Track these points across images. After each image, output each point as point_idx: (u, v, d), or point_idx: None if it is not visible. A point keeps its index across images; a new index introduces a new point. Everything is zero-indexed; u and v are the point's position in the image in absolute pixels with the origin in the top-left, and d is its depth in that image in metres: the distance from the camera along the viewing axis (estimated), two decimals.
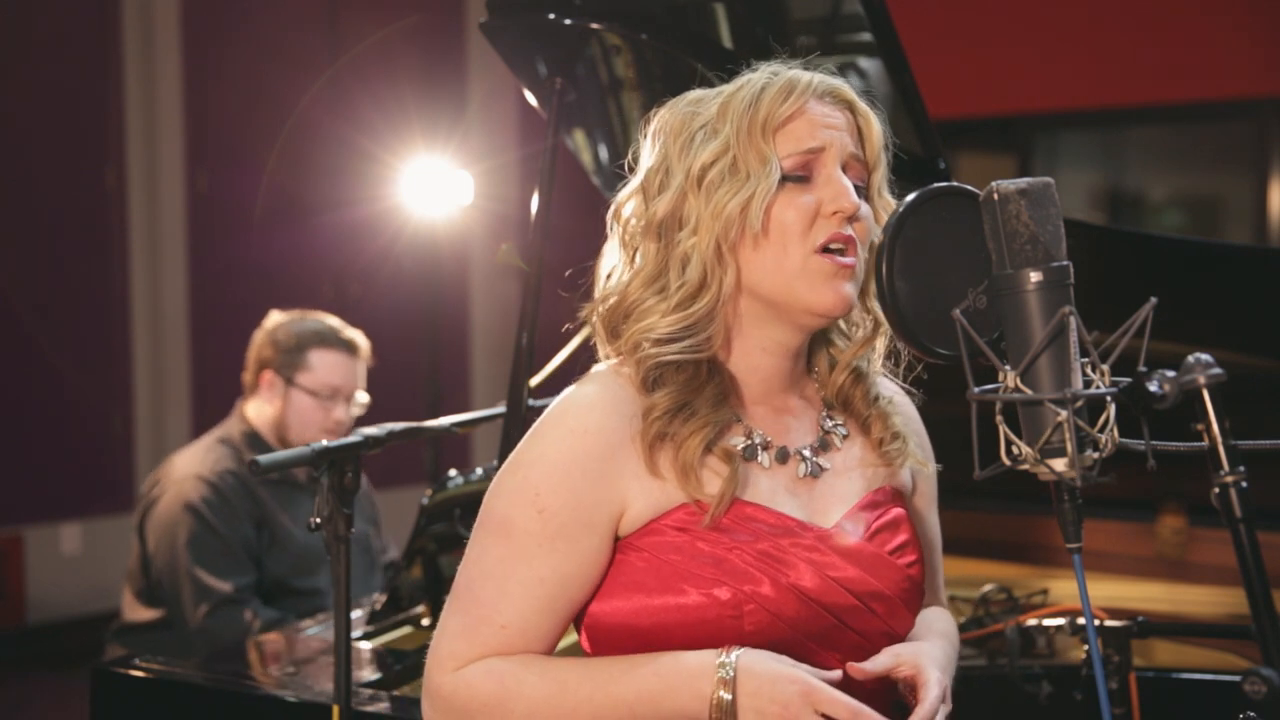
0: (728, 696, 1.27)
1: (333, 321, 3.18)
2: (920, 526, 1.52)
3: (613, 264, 1.44)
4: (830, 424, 1.46)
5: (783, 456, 1.41)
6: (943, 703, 1.36)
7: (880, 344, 1.48)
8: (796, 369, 1.45)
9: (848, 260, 1.36)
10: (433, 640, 1.37)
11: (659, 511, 1.34)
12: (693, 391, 1.36)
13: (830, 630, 1.35)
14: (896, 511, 1.46)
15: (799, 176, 1.36)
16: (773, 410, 1.43)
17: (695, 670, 1.28)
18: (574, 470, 1.33)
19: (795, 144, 1.36)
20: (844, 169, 1.37)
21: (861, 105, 1.41)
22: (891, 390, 1.52)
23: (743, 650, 1.29)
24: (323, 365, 3.09)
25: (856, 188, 1.38)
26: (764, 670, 1.27)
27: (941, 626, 1.54)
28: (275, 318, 3.18)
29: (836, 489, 1.43)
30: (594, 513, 1.33)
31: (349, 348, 3.14)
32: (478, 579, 1.34)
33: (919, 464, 1.50)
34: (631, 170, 1.46)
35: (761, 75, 1.40)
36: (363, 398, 3.16)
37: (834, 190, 1.35)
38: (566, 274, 1.50)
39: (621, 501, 1.34)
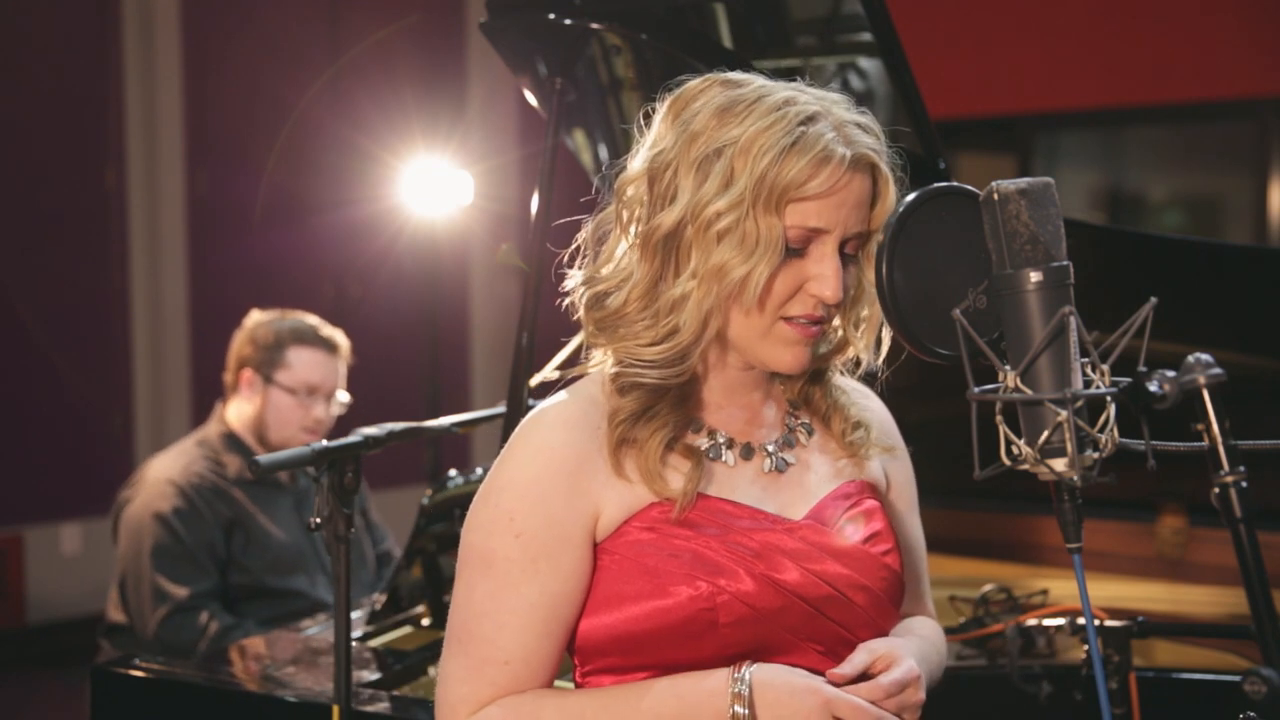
0: (744, 711, 1.28)
1: (312, 320, 3.18)
2: (901, 529, 1.52)
3: (607, 229, 1.41)
4: (795, 421, 1.47)
5: (747, 453, 1.41)
6: (912, 688, 1.34)
7: (837, 363, 1.48)
8: (763, 377, 1.45)
9: (814, 330, 1.36)
10: (437, 689, 1.37)
11: (630, 512, 1.34)
12: (657, 396, 1.36)
13: (808, 621, 1.35)
14: (869, 503, 1.46)
15: (794, 250, 1.33)
16: (737, 410, 1.44)
17: (714, 688, 1.29)
18: (545, 489, 1.33)
19: (802, 219, 1.31)
20: (842, 245, 1.35)
21: (884, 169, 1.34)
22: (849, 383, 1.52)
23: (755, 666, 1.30)
24: (301, 363, 3.09)
25: (848, 257, 1.36)
26: (782, 682, 1.29)
27: (923, 630, 1.54)
28: (255, 316, 3.18)
29: (804, 483, 1.43)
30: (570, 528, 1.33)
31: (328, 346, 3.14)
32: (472, 619, 1.34)
33: (885, 450, 1.50)
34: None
35: (794, 114, 1.30)
36: (343, 396, 3.16)
37: (823, 275, 1.33)
38: (555, 266, 1.48)
39: (595, 511, 1.34)
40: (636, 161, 1.39)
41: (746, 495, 1.39)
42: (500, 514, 1.33)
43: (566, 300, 1.44)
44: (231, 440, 3.10)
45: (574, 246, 1.45)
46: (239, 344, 3.15)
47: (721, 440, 1.40)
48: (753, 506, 1.38)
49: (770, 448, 1.43)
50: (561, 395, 1.41)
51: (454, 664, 1.34)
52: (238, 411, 3.13)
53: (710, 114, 1.33)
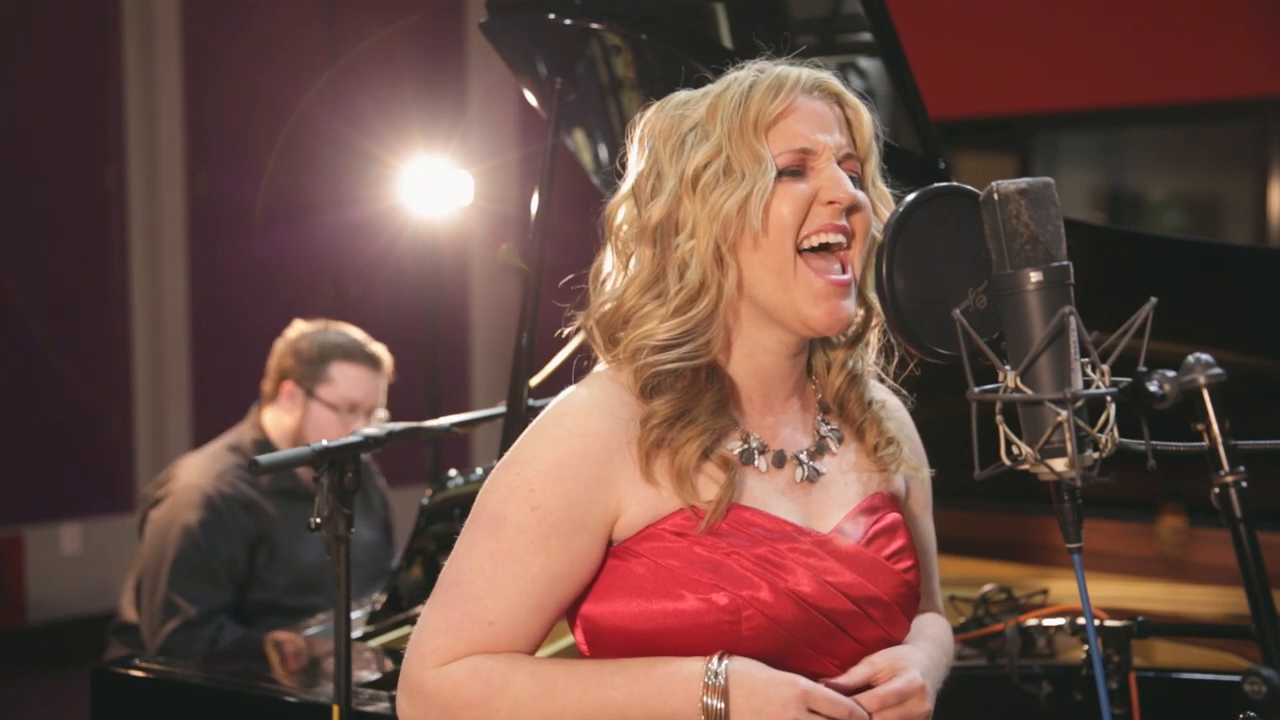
0: (717, 704, 1.27)
1: (357, 334, 3.14)
2: (915, 531, 1.52)
3: (608, 270, 1.43)
4: (825, 428, 1.46)
5: (779, 461, 1.41)
6: (915, 699, 1.35)
7: (873, 340, 1.48)
8: (797, 369, 1.44)
9: (843, 278, 1.36)
10: (414, 633, 1.36)
11: (656, 516, 1.34)
12: (692, 399, 1.35)
13: (827, 635, 1.35)
14: (893, 516, 1.45)
15: (793, 171, 1.35)
16: (770, 413, 1.43)
17: (690, 674, 1.28)
18: (569, 471, 1.32)
19: (788, 142, 1.35)
20: (838, 165, 1.37)
21: (850, 96, 1.41)
22: (885, 395, 1.52)
23: (732, 659, 1.29)
24: (344, 379, 3.06)
25: (851, 179, 1.38)
26: (759, 673, 1.29)
27: (932, 631, 1.54)
28: (299, 327, 3.14)
29: (833, 493, 1.43)
30: (587, 513, 1.33)
31: (372, 362, 3.10)
32: (466, 573, 1.33)
33: (912, 469, 1.50)
34: (622, 173, 1.45)
35: (748, 73, 1.39)
36: (382, 414, 3.12)
37: (829, 181, 1.35)
38: (561, 283, 1.49)
39: (616, 505, 1.34)
40: (619, 194, 1.43)
41: (776, 506, 1.38)
42: (521, 483, 1.33)
43: (576, 331, 1.45)
44: (266, 448, 3.04)
45: (573, 278, 1.46)
46: (280, 354, 3.10)
47: (755, 445, 1.39)
48: (781, 518, 1.37)
49: (803, 456, 1.42)
50: (588, 385, 1.40)
51: (437, 613, 1.34)
52: (275, 421, 3.09)
53: (671, 113, 1.39)
